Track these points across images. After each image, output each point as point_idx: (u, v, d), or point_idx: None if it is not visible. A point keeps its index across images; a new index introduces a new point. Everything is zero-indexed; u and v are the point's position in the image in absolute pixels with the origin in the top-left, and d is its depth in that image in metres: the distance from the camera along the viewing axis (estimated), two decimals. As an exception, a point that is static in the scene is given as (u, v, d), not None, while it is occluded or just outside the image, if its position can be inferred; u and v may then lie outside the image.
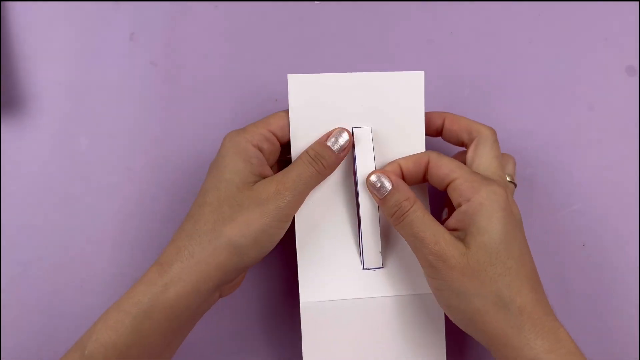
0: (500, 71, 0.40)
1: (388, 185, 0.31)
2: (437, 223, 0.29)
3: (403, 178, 0.32)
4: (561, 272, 0.37)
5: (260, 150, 0.32)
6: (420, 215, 0.29)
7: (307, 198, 0.32)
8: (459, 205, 0.30)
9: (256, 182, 0.31)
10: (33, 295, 0.38)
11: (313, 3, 0.42)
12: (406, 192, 0.30)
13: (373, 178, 0.31)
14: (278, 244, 0.31)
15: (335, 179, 0.33)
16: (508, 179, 0.34)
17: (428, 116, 0.34)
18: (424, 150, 0.33)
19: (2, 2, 0.43)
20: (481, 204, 0.28)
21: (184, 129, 0.40)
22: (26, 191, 0.39)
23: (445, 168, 0.31)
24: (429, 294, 0.32)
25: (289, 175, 0.31)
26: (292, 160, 0.32)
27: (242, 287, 0.36)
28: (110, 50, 0.41)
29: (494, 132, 0.33)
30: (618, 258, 0.37)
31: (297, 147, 0.33)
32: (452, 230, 0.30)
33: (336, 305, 0.33)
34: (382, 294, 0.33)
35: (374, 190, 0.31)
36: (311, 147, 0.32)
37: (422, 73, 0.33)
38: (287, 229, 0.31)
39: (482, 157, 0.32)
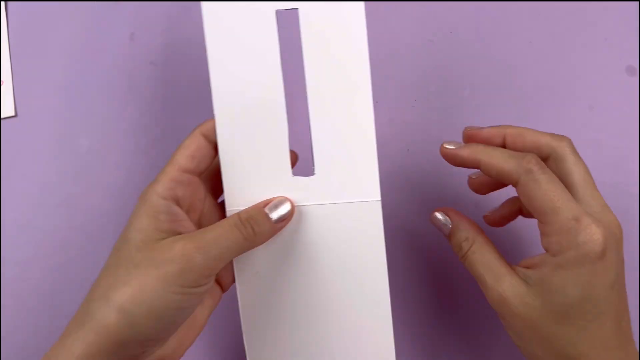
0: (500, 71, 0.40)
1: (448, 224, 0.30)
2: (501, 263, 0.28)
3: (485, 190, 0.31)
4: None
5: (176, 199, 0.27)
6: (478, 257, 0.28)
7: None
8: (546, 250, 0.27)
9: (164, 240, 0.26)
10: (33, 295, 0.38)
11: (313, 3, 0.42)
12: (465, 231, 0.29)
13: (438, 216, 0.31)
14: None
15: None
16: None
17: (484, 137, 0.29)
18: (367, 69, 0.29)
19: (3, 2, 0.43)
20: (567, 261, 0.25)
21: (184, 129, 0.40)
22: (26, 191, 0.39)
23: (533, 202, 0.26)
24: (364, 202, 0.29)
25: (205, 234, 0.26)
26: (216, 119, 0.29)
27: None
28: (110, 50, 0.41)
29: (571, 143, 0.28)
30: (618, 258, 0.37)
31: (215, 56, 0.30)
32: (523, 267, 0.27)
33: None
34: (313, 202, 0.29)
35: (439, 227, 0.31)
36: (245, 210, 0.28)
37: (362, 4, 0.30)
38: (204, 298, 0.27)
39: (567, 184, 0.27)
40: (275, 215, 0.28)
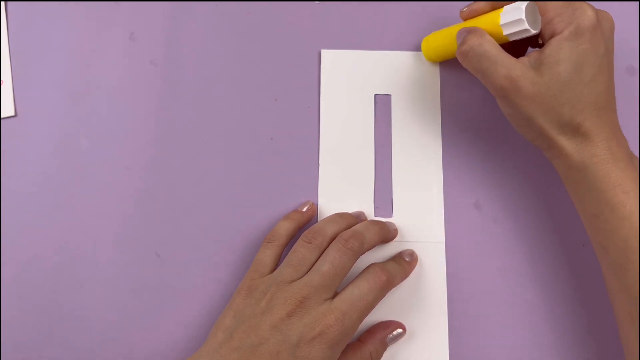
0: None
1: (463, 33, 0.33)
2: (508, 55, 0.31)
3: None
4: (561, 272, 0.37)
5: None
6: (487, 49, 0.31)
7: (334, 148, 0.39)
8: (551, 35, 0.31)
9: None
10: (33, 295, 0.38)
11: (313, 3, 0.42)
12: (475, 30, 0.33)
13: (460, 30, 0.34)
14: None
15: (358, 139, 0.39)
16: None
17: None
18: (439, 119, 0.39)
19: (3, 2, 0.43)
20: (569, 33, 0.30)
21: (184, 129, 0.40)
22: (26, 191, 0.39)
23: None
24: (432, 242, 0.37)
25: None
26: (321, 126, 0.39)
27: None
28: (110, 50, 0.41)
29: None
30: (618, 258, 0.37)
31: (327, 115, 0.39)
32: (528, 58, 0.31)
33: None
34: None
35: (458, 36, 0.34)
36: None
37: None
38: None
39: None
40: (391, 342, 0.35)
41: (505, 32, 0.32)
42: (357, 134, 0.39)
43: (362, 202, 0.38)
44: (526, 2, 0.31)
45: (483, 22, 0.34)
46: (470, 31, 0.33)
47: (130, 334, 0.37)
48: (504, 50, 0.32)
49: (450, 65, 0.40)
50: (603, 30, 0.31)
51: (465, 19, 0.35)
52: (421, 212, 0.38)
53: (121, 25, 0.42)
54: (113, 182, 0.39)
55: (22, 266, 0.38)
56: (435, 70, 0.40)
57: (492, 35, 0.33)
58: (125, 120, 0.40)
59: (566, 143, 0.31)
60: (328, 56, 0.40)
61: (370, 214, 0.38)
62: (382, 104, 0.40)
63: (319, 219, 0.38)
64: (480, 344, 0.36)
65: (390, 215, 0.38)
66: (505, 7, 0.32)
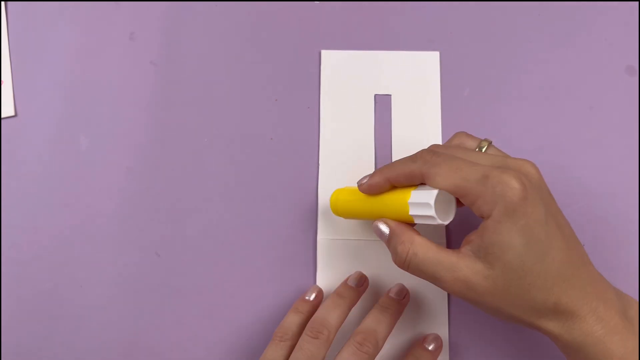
0: (500, 71, 0.40)
1: (386, 231, 0.31)
2: (447, 253, 0.28)
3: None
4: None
5: None
6: (422, 257, 0.28)
7: (334, 150, 0.39)
8: (481, 216, 0.27)
9: None
10: (33, 295, 0.38)
11: (313, 3, 0.42)
12: (400, 235, 0.29)
13: (379, 225, 0.31)
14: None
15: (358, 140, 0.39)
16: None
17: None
18: (439, 119, 0.39)
19: (3, 2, 0.43)
20: (499, 215, 0.26)
21: (184, 129, 0.40)
22: (26, 191, 0.39)
23: (442, 183, 0.28)
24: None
25: None
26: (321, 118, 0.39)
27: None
28: (110, 50, 0.42)
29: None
30: (618, 258, 0.37)
31: (327, 115, 0.39)
32: (467, 245, 0.28)
33: (348, 244, 0.37)
34: None
35: (379, 236, 0.31)
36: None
37: (437, 53, 0.40)
38: None
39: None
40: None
41: (416, 221, 0.29)
42: (357, 134, 0.39)
43: None
44: (435, 192, 0.28)
45: (390, 203, 0.31)
46: (395, 237, 0.30)
47: (130, 334, 0.37)
48: (439, 248, 0.28)
49: (450, 65, 0.40)
50: (533, 188, 0.27)
51: (368, 193, 0.32)
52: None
53: (121, 25, 0.42)
54: (113, 182, 0.39)
55: (22, 266, 0.38)
56: (436, 71, 0.40)
57: (400, 218, 0.30)
58: (125, 120, 0.40)
59: (550, 325, 0.27)
60: (328, 56, 0.40)
61: None
62: (382, 104, 0.40)
63: (319, 217, 0.38)
64: (480, 342, 0.36)
65: None
66: (413, 194, 0.29)
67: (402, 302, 0.35)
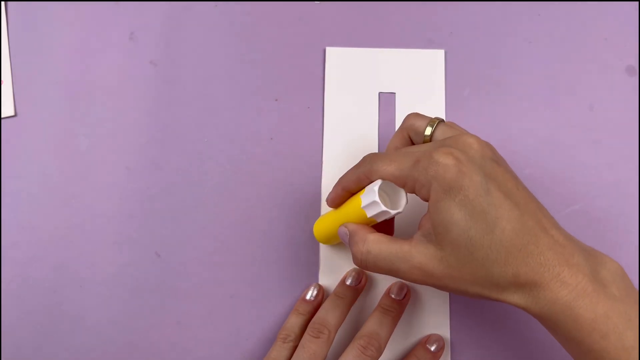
0: (500, 71, 0.40)
1: (346, 236, 0.31)
2: (400, 243, 0.28)
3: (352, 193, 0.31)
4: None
5: None
6: (376, 254, 0.28)
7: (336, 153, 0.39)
8: (425, 200, 0.27)
9: None
10: (33, 295, 0.38)
11: (313, 3, 0.42)
12: (354, 236, 0.30)
13: (341, 229, 0.31)
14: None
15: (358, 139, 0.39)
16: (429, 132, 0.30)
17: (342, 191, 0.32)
18: (444, 117, 0.38)
19: (3, 2, 0.43)
20: (437, 195, 0.26)
21: (184, 129, 0.40)
22: (26, 191, 0.39)
23: (382, 176, 0.28)
24: None
25: None
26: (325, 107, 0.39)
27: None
28: (110, 50, 0.41)
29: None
30: (618, 258, 0.37)
31: (331, 112, 0.39)
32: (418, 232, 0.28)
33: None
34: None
35: (343, 240, 0.31)
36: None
37: (442, 51, 0.40)
38: None
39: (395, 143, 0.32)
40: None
41: (370, 215, 0.29)
42: (361, 132, 0.39)
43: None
44: (378, 183, 0.29)
45: (350, 210, 0.31)
46: (350, 238, 0.30)
47: (130, 334, 0.37)
48: (392, 239, 0.28)
49: (453, 64, 0.40)
50: (469, 160, 0.26)
51: (333, 207, 0.33)
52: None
53: (121, 25, 0.42)
54: (113, 182, 0.39)
55: (22, 266, 0.38)
56: (440, 69, 0.40)
57: (362, 221, 0.30)
58: (126, 120, 0.40)
59: (516, 298, 0.26)
60: (333, 54, 0.41)
61: None
62: (387, 102, 0.40)
63: (321, 214, 0.37)
64: (481, 343, 0.36)
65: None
66: (364, 192, 0.30)
67: (402, 303, 0.35)
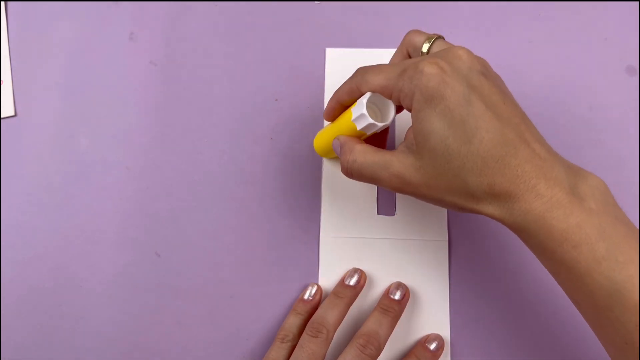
0: (501, 71, 0.40)
1: (337, 147, 0.32)
2: (383, 153, 0.29)
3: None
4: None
5: None
6: (361, 162, 0.29)
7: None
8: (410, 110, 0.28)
9: None
10: (33, 295, 0.38)
11: (313, 3, 0.42)
12: (343, 147, 0.31)
13: (332, 144, 0.33)
14: None
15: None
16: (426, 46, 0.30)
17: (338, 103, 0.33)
18: None
19: (3, 2, 0.43)
20: (418, 104, 0.26)
21: (183, 129, 0.40)
22: (26, 191, 0.39)
23: (370, 86, 0.29)
24: (434, 240, 0.37)
25: None
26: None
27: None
28: (110, 50, 0.42)
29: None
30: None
31: None
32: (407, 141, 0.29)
33: (350, 242, 0.37)
34: (391, 237, 0.37)
35: (336, 152, 0.32)
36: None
37: None
38: None
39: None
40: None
41: (359, 127, 0.30)
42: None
43: (365, 200, 0.38)
44: (367, 95, 0.29)
45: (343, 122, 0.32)
46: (340, 148, 0.31)
47: (130, 334, 0.37)
48: (377, 150, 0.29)
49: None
50: (454, 70, 0.26)
51: (328, 119, 0.34)
52: (424, 210, 0.38)
53: (121, 25, 0.42)
54: (113, 182, 0.39)
55: (22, 266, 0.38)
56: None
57: (354, 134, 0.31)
58: (125, 120, 0.40)
59: (490, 209, 0.26)
60: (333, 54, 0.41)
61: (373, 213, 0.38)
62: None
63: (322, 214, 0.38)
64: (482, 343, 0.36)
65: (393, 214, 0.38)
66: (355, 105, 0.30)
67: (402, 302, 0.35)
